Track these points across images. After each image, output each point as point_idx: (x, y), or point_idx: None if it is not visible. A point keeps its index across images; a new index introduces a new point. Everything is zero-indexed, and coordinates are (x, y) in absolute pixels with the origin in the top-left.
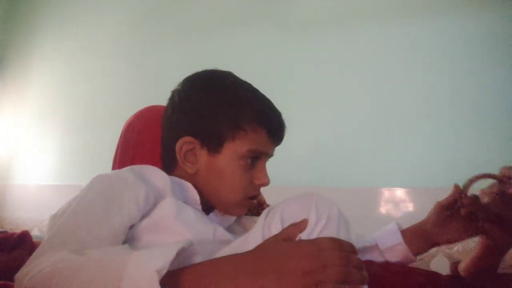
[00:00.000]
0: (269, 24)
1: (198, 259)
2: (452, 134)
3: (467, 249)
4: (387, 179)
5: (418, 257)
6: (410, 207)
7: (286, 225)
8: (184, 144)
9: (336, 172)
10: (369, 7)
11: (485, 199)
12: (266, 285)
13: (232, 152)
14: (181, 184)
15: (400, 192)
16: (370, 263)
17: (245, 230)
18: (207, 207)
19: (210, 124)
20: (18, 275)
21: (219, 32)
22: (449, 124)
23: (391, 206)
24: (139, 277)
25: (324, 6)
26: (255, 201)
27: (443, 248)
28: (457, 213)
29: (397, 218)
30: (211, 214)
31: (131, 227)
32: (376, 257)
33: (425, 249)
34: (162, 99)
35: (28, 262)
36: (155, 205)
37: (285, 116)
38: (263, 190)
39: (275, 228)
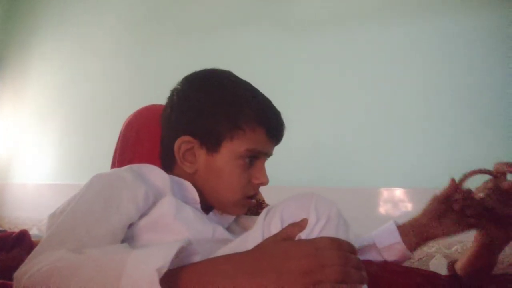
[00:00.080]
0: (269, 24)
1: (197, 258)
2: (452, 134)
3: (466, 249)
4: (387, 179)
5: (417, 257)
6: (409, 207)
7: (285, 224)
8: (182, 143)
9: (336, 172)
10: (369, 7)
11: (480, 195)
12: (265, 285)
13: (231, 151)
14: (180, 183)
15: (399, 192)
16: (368, 262)
17: (244, 229)
18: (207, 207)
19: (208, 123)
20: (17, 274)
21: (219, 32)
22: (449, 124)
23: (390, 206)
24: (139, 276)
25: (324, 6)
26: (254, 200)
27: (442, 248)
28: (452, 207)
29: (396, 218)
30: (211, 214)
31: (130, 226)
32: (374, 256)
33: (421, 244)
34: (162, 99)
35: (26, 261)
36: (154, 204)
37: (285, 116)
38: (262, 189)
39: (275, 228)
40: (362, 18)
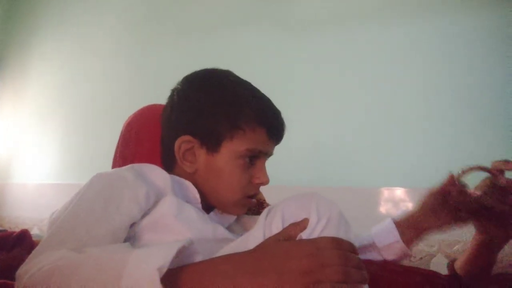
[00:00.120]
0: (269, 24)
1: (198, 258)
2: (452, 134)
3: (466, 248)
4: (387, 179)
5: (418, 256)
6: (409, 206)
7: (286, 224)
8: (182, 143)
9: (336, 172)
10: (369, 7)
11: (478, 193)
12: (265, 285)
13: (231, 151)
14: (181, 182)
15: (400, 192)
16: (368, 262)
17: (246, 229)
18: (208, 206)
19: (208, 123)
20: (18, 273)
21: (219, 32)
22: (449, 124)
23: (391, 206)
24: (139, 275)
25: (324, 6)
26: (254, 200)
27: (443, 247)
28: (447, 201)
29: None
30: (212, 213)
31: (132, 225)
32: (374, 256)
33: (417, 237)
34: (162, 98)
35: (27, 260)
36: (155, 203)
37: (285, 116)
38: (262, 189)
39: (276, 228)
40: (362, 18)
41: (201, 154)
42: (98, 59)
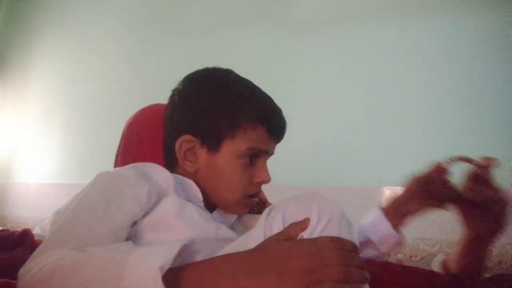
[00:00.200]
0: (269, 24)
1: (199, 257)
2: (452, 134)
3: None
4: (387, 179)
5: (419, 256)
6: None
7: (287, 224)
8: (183, 142)
9: (336, 171)
10: (369, 7)
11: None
12: (265, 284)
13: (231, 150)
14: (183, 182)
15: (400, 192)
16: (368, 262)
17: (247, 228)
18: (211, 205)
19: (209, 122)
20: (21, 272)
21: (219, 32)
22: (449, 124)
23: None
24: (141, 274)
25: (324, 6)
26: (256, 199)
27: (444, 247)
28: (430, 188)
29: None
30: (215, 212)
31: (133, 224)
32: (371, 251)
33: (401, 222)
34: (162, 98)
35: (30, 259)
36: (157, 202)
37: (285, 116)
38: (262, 189)
39: (277, 227)
40: (362, 18)
41: (202, 153)
42: (98, 59)
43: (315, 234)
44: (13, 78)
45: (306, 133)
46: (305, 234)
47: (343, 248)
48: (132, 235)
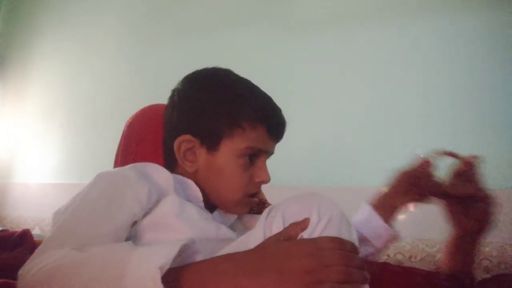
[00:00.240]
0: (269, 24)
1: (199, 257)
2: (452, 134)
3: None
4: (387, 178)
5: (419, 257)
6: (409, 205)
7: (287, 224)
8: (182, 142)
9: (336, 171)
10: (369, 7)
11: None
12: (266, 284)
13: (230, 150)
14: (183, 182)
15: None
16: (368, 262)
17: (247, 228)
18: (211, 205)
19: (208, 122)
20: (21, 272)
21: (219, 32)
22: (449, 124)
23: None
24: (141, 274)
25: (324, 6)
26: (256, 199)
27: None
28: (416, 182)
29: (397, 217)
30: (215, 212)
31: (134, 224)
32: (366, 248)
33: (391, 217)
34: (162, 98)
35: (30, 259)
36: (157, 202)
37: (285, 116)
38: (262, 189)
39: (277, 227)
40: (362, 18)
41: (202, 153)
42: (98, 59)
43: (315, 234)
44: (13, 78)
45: (306, 133)
46: (305, 234)
47: (343, 248)
48: (132, 235)
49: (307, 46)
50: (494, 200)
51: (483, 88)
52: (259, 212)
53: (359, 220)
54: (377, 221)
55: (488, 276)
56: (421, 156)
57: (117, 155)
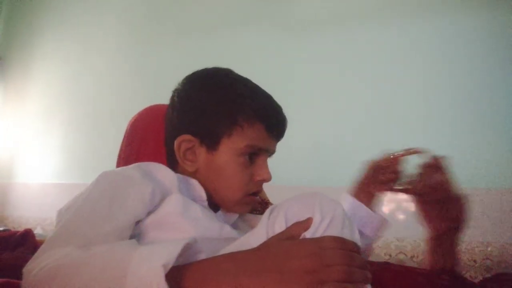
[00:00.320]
0: (269, 24)
1: (202, 256)
2: (452, 134)
3: (469, 248)
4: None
5: (420, 257)
6: (410, 206)
7: (290, 224)
8: (182, 142)
9: (336, 171)
10: (369, 7)
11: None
12: (267, 284)
13: (230, 149)
14: (187, 181)
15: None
16: (369, 262)
17: (250, 228)
18: (215, 205)
19: (207, 121)
20: (24, 270)
21: (219, 32)
22: (449, 124)
23: (391, 205)
24: (144, 272)
25: (324, 6)
26: (258, 198)
27: None
28: (380, 176)
29: (397, 217)
30: (219, 212)
31: (137, 223)
32: (362, 242)
33: (371, 204)
34: (163, 98)
35: (33, 257)
36: (161, 201)
37: (286, 116)
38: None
39: (279, 227)
40: (362, 18)
41: (202, 153)
42: (99, 59)
43: (318, 234)
44: (14, 78)
45: (306, 133)
46: (308, 234)
47: (345, 248)
48: (136, 233)
49: (307, 46)
50: (466, 199)
51: (483, 88)
52: (262, 212)
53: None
54: (362, 209)
55: (489, 275)
56: (391, 153)
57: (119, 155)
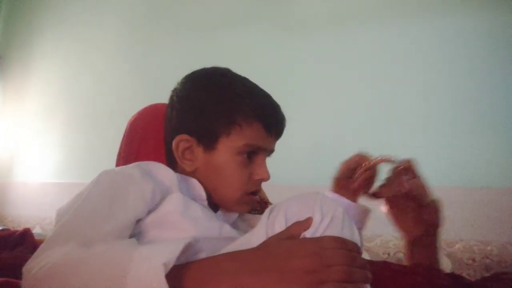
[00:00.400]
0: (269, 24)
1: (202, 256)
2: (452, 133)
3: (467, 247)
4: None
5: None
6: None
7: (290, 223)
8: (180, 142)
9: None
10: (369, 7)
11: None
12: (267, 283)
13: (228, 148)
14: (187, 181)
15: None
16: (369, 262)
17: (250, 227)
18: (214, 205)
19: (204, 121)
20: (25, 268)
21: (219, 32)
22: (449, 123)
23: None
24: (145, 271)
25: (324, 6)
26: (257, 197)
27: (444, 246)
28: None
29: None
30: (219, 211)
31: (138, 222)
32: None
33: (353, 197)
34: (163, 97)
35: (34, 256)
36: (161, 200)
37: (285, 115)
38: (263, 189)
39: (279, 227)
40: (362, 18)
41: (199, 152)
42: (98, 58)
43: (318, 234)
44: (13, 77)
45: (306, 133)
46: (308, 233)
47: (345, 248)
48: (136, 232)
49: (307, 46)
50: (439, 203)
51: (483, 88)
52: (262, 211)
53: None
54: (343, 200)
55: (488, 274)
56: (360, 155)
57: (119, 154)
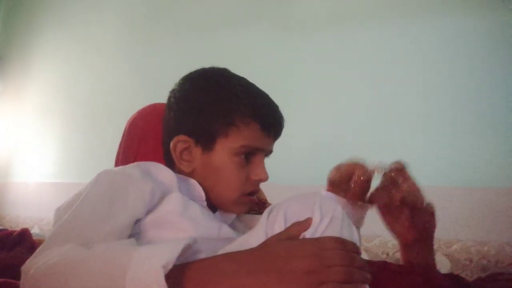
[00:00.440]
0: (269, 24)
1: (201, 256)
2: (452, 133)
3: (464, 248)
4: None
5: None
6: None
7: (289, 223)
8: (178, 142)
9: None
10: (369, 7)
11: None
12: (267, 284)
13: (225, 148)
14: (186, 181)
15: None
16: (368, 262)
17: (249, 228)
18: (213, 205)
19: (202, 121)
20: (24, 268)
21: (219, 32)
22: (449, 123)
23: None
24: (144, 272)
25: (324, 6)
26: (255, 198)
27: (443, 247)
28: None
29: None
30: (218, 212)
31: (137, 222)
32: None
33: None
34: (162, 98)
35: (33, 256)
36: (161, 200)
37: (285, 116)
38: (262, 188)
39: (278, 227)
40: (362, 18)
41: (197, 153)
42: (98, 58)
43: (318, 234)
44: (13, 77)
45: (306, 133)
46: (307, 234)
47: (345, 249)
48: (136, 232)
49: (307, 46)
50: (432, 207)
51: (483, 88)
52: (260, 212)
53: None
54: (339, 199)
55: (485, 274)
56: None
57: (118, 154)
